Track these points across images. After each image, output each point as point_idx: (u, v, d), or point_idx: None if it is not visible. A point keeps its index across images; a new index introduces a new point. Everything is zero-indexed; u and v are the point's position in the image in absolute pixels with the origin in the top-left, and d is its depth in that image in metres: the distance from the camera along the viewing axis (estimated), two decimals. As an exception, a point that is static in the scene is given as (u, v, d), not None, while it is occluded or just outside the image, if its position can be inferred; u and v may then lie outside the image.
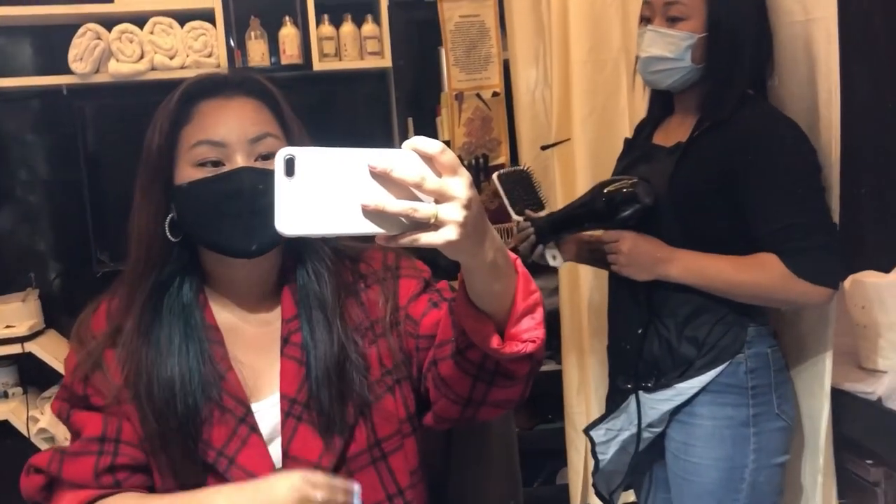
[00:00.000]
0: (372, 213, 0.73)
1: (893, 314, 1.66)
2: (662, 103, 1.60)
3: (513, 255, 0.87)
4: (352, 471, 1.04)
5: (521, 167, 1.68)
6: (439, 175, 0.74)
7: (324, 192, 0.73)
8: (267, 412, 1.06)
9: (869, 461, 1.65)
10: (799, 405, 1.61)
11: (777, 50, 1.51)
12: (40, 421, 2.37)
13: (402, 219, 0.74)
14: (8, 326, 2.40)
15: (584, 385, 2.08)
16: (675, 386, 1.50)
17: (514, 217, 1.63)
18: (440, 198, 0.74)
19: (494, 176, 1.63)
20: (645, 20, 1.52)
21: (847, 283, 1.72)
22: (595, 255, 1.64)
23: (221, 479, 1.03)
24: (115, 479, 1.05)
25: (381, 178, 0.73)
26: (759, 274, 1.42)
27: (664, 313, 1.51)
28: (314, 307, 1.07)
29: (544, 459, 2.60)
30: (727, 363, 1.46)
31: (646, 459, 1.62)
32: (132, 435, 1.05)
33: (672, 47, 1.46)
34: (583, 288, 2.03)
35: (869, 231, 2.15)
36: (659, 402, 1.52)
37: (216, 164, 1.02)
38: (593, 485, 1.68)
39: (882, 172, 2.13)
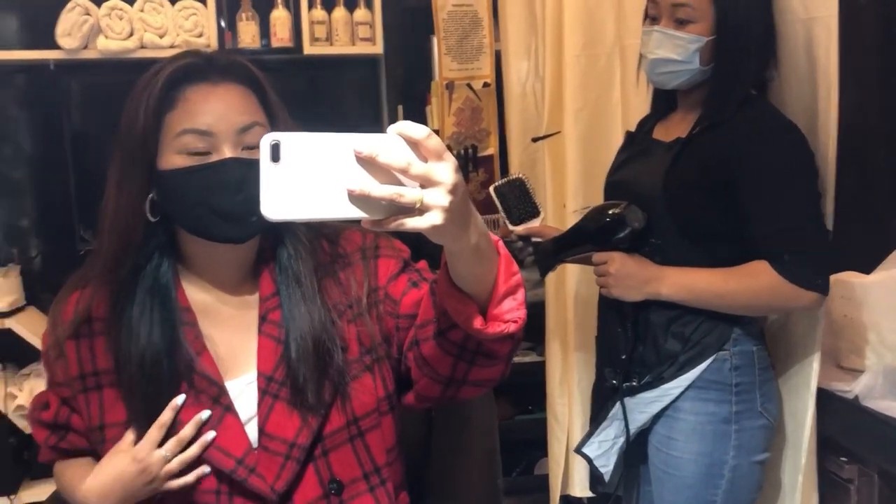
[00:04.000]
0: (357, 198, 0.73)
1: (873, 314, 1.69)
2: (666, 100, 1.61)
3: (495, 238, 0.88)
4: (328, 448, 1.07)
5: (516, 176, 1.69)
6: (425, 160, 0.74)
7: (309, 177, 0.73)
8: (244, 390, 1.07)
9: (843, 458, 1.68)
10: (783, 404, 1.63)
11: (779, 48, 1.51)
12: (18, 398, 2.35)
13: (387, 203, 0.74)
14: (-12, 302, 2.37)
15: (567, 376, 2.09)
16: (660, 387, 1.51)
17: (510, 227, 1.63)
18: (426, 183, 0.74)
19: (491, 189, 1.64)
20: (651, 19, 1.51)
21: (828, 282, 1.74)
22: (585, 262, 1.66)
23: (199, 459, 1.05)
24: (64, 450, 1.17)
25: (367, 163, 0.73)
26: (749, 282, 1.43)
27: (651, 311, 1.52)
28: (292, 286, 1.08)
29: (523, 450, 2.62)
30: (712, 359, 1.48)
31: (632, 452, 1.64)
32: (80, 424, 1.11)
33: (680, 49, 1.46)
34: (568, 281, 2.04)
35: (850, 231, 2.18)
36: (646, 404, 1.53)
37: (202, 153, 1.02)
38: (597, 493, 1.67)
39: (862, 173, 2.15)
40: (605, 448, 1.59)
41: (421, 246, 0.87)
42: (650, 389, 1.53)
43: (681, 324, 1.50)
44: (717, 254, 1.47)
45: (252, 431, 1.06)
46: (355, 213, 0.74)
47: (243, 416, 1.06)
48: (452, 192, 0.74)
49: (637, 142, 1.65)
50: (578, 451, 1.63)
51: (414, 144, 0.74)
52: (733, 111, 1.44)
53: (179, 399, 1.04)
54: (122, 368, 1.05)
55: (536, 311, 2.25)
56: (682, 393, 1.50)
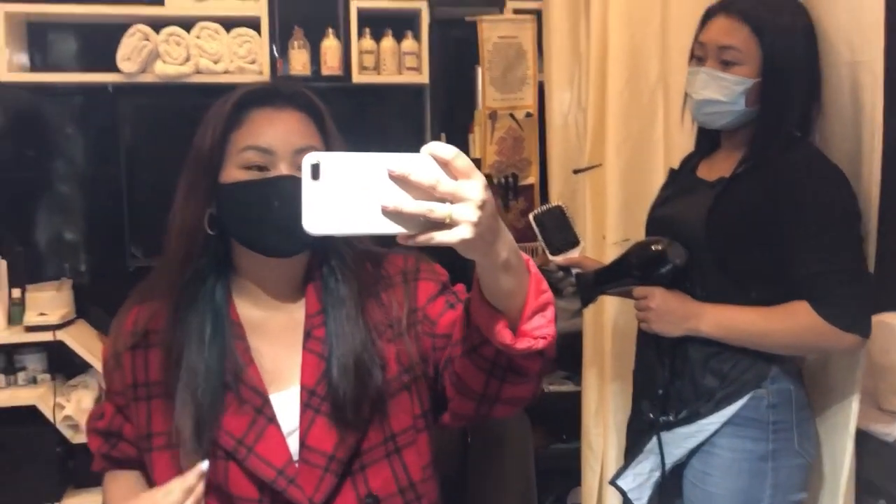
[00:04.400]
0: (392, 214, 0.77)
1: (915, 357, 1.68)
2: (710, 139, 1.62)
3: (525, 256, 0.91)
4: (365, 464, 1.10)
5: (555, 204, 1.71)
6: (455, 178, 0.78)
7: (347, 194, 0.77)
8: (287, 403, 1.11)
9: (882, 501, 1.66)
10: (821, 444, 1.62)
11: (824, 91, 1.52)
12: (66, 408, 2.42)
13: (420, 219, 0.78)
14: (41, 314, 2.46)
15: (603, 407, 2.10)
16: (697, 422, 1.51)
17: (550, 257, 1.65)
18: (455, 199, 0.78)
19: (530, 217, 1.66)
20: (697, 59, 1.53)
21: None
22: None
23: (241, 467, 1.09)
24: (117, 460, 1.22)
25: (400, 181, 0.77)
26: (789, 322, 1.42)
27: (690, 347, 1.53)
28: (336, 305, 1.12)
29: (556, 479, 2.62)
30: (749, 396, 1.48)
31: (667, 486, 1.64)
32: (131, 433, 1.16)
33: (726, 91, 1.47)
34: (607, 311, 2.05)
35: (893, 273, 2.16)
36: (683, 439, 1.53)
37: (261, 168, 1.09)
38: None
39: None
40: (640, 481, 1.60)
41: (455, 265, 0.90)
42: (687, 424, 1.53)
43: (719, 360, 1.51)
44: (757, 293, 1.48)
45: (293, 444, 1.10)
46: (390, 227, 0.78)
47: (285, 429, 1.10)
48: (481, 207, 0.78)
49: (680, 179, 1.67)
50: (613, 483, 1.63)
51: (444, 164, 0.78)
52: (778, 152, 1.45)
53: (204, 465, 1.06)
54: (174, 378, 1.10)
55: (574, 341, 2.26)
56: (719, 429, 1.50)
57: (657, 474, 1.58)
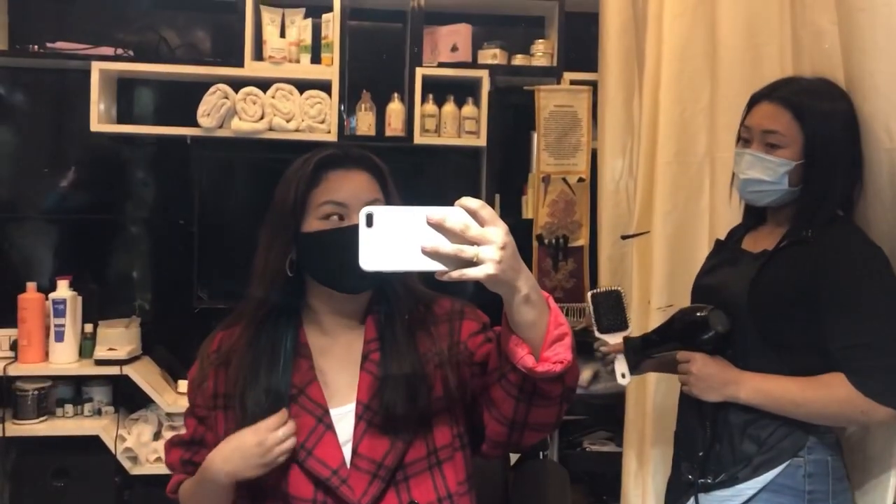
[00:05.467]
0: (430, 254, 0.96)
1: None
2: (757, 213, 1.69)
3: (545, 293, 1.08)
4: (409, 475, 1.25)
5: (615, 287, 1.79)
6: (482, 225, 0.97)
7: (395, 238, 0.97)
8: (344, 417, 1.27)
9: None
10: None
11: (864, 172, 1.58)
12: (127, 441, 2.54)
13: (454, 258, 0.95)
14: (110, 349, 2.60)
15: (643, 468, 2.13)
16: (735, 486, 1.54)
17: (597, 334, 1.72)
18: (481, 242, 0.96)
19: (589, 294, 1.74)
20: (744, 141, 1.62)
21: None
22: (667, 369, 1.73)
23: (301, 468, 1.24)
24: (188, 471, 1.35)
25: (437, 227, 0.96)
26: (826, 392, 1.46)
27: (730, 412, 1.57)
28: (391, 333, 1.30)
29: (595, 539, 2.64)
30: (786, 464, 1.51)
31: None
32: (212, 440, 1.30)
33: (770, 172, 1.55)
34: (650, 374, 2.10)
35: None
36: (720, 502, 1.56)
37: (339, 218, 1.28)
38: None
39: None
40: None
41: (495, 310, 1.06)
42: (724, 488, 1.57)
43: (757, 427, 1.55)
44: (797, 363, 1.52)
45: (347, 453, 1.25)
46: (430, 265, 0.96)
47: (341, 440, 1.26)
48: (502, 248, 0.96)
49: (726, 250, 1.73)
50: None
51: (472, 213, 0.97)
52: (820, 229, 1.52)
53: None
54: (246, 391, 1.26)
55: (618, 402, 2.31)
56: (756, 494, 1.53)
57: None
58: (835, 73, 1.62)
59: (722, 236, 1.84)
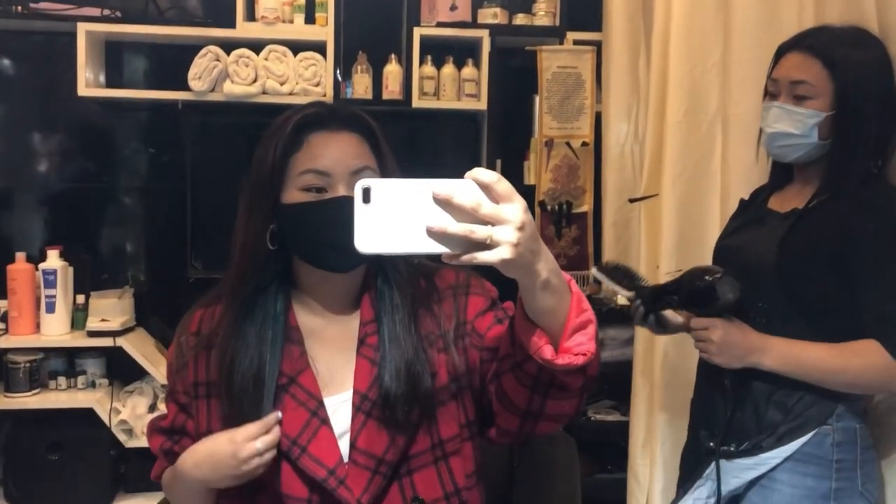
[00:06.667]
0: (437, 235, 0.83)
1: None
2: (784, 172, 1.62)
3: (567, 276, 0.95)
4: (412, 468, 1.14)
5: (607, 262, 1.74)
6: (496, 202, 0.83)
7: (395, 216, 0.84)
8: (339, 407, 1.15)
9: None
10: (885, 487, 1.58)
11: None
12: (122, 413, 2.49)
13: (463, 240, 0.83)
14: (103, 320, 2.54)
15: (651, 439, 2.08)
16: (758, 455, 1.49)
17: (628, 294, 1.65)
18: (495, 221, 0.83)
19: (593, 270, 1.68)
20: (770, 95, 1.55)
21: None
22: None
23: (292, 465, 1.12)
24: (170, 461, 1.24)
25: (444, 204, 0.83)
26: (858, 361, 1.41)
27: (754, 379, 1.51)
28: (390, 313, 1.17)
29: (599, 509, 2.60)
30: (813, 433, 1.46)
31: None
32: (193, 429, 1.20)
33: (799, 125, 1.48)
34: (658, 341, 2.05)
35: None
36: (741, 470, 1.52)
37: (320, 190, 1.14)
38: None
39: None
40: None
41: (506, 282, 0.94)
42: (747, 457, 1.52)
43: (783, 394, 1.49)
44: (826, 328, 1.46)
45: (344, 446, 1.14)
46: (435, 248, 0.84)
47: (337, 431, 1.14)
48: (520, 229, 0.83)
49: (751, 210, 1.67)
50: None
51: (486, 188, 0.84)
52: (853, 187, 1.44)
53: (279, 414, 1.13)
54: (230, 379, 1.15)
55: (623, 370, 2.26)
56: (780, 464, 1.48)
57: (713, 501, 1.56)
58: (867, 21, 1.54)
59: (734, 198, 1.78)
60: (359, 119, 1.19)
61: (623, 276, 1.67)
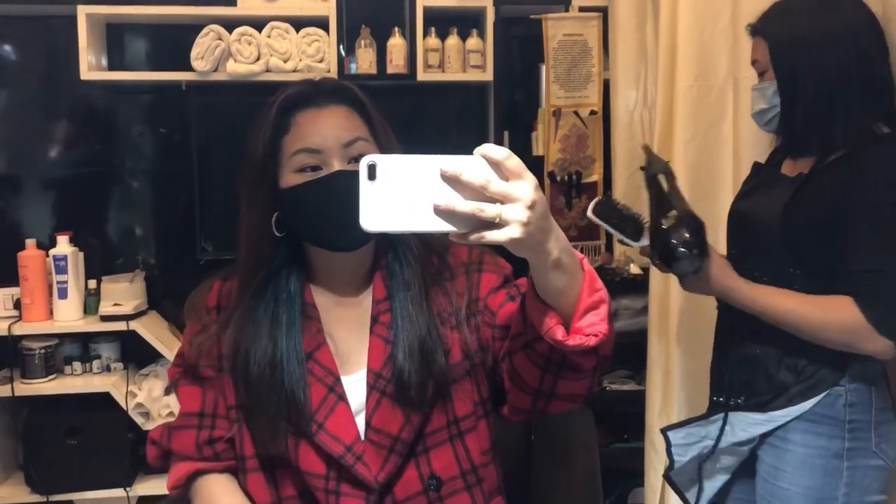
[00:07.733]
0: (444, 213, 0.81)
1: None
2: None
3: (579, 255, 0.93)
4: (429, 446, 1.13)
5: (604, 196, 1.72)
6: (507, 179, 0.81)
7: (402, 193, 0.81)
8: (355, 385, 1.15)
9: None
10: None
11: None
12: (138, 396, 2.50)
13: (472, 218, 0.81)
14: (115, 304, 2.54)
15: (667, 407, 2.08)
16: (767, 413, 1.50)
17: (635, 245, 1.63)
18: (505, 199, 0.81)
19: (590, 213, 1.62)
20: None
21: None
22: None
23: (310, 442, 1.11)
24: (214, 450, 1.19)
25: (452, 181, 0.80)
26: (828, 315, 1.41)
27: (767, 340, 1.52)
28: (402, 289, 1.16)
29: (617, 479, 2.60)
30: (825, 394, 1.46)
31: (736, 481, 1.62)
32: (224, 408, 1.18)
33: (764, 99, 1.55)
34: (672, 309, 2.04)
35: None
36: (751, 424, 1.53)
37: (315, 168, 1.12)
38: (671, 481, 1.67)
39: None
40: (690, 441, 1.60)
41: (520, 259, 0.92)
42: (757, 412, 1.52)
43: (795, 355, 1.49)
44: (831, 289, 1.45)
45: (360, 423, 1.13)
46: (442, 226, 0.82)
47: (353, 409, 1.14)
48: (530, 207, 0.81)
49: (763, 173, 1.66)
50: (664, 430, 1.63)
51: (495, 164, 0.81)
52: (861, 148, 1.42)
53: None
54: (247, 369, 1.14)
55: (637, 339, 2.25)
56: (790, 423, 1.49)
57: (709, 444, 1.57)
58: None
59: (746, 163, 1.76)
60: (345, 91, 1.17)
61: (619, 218, 1.63)
